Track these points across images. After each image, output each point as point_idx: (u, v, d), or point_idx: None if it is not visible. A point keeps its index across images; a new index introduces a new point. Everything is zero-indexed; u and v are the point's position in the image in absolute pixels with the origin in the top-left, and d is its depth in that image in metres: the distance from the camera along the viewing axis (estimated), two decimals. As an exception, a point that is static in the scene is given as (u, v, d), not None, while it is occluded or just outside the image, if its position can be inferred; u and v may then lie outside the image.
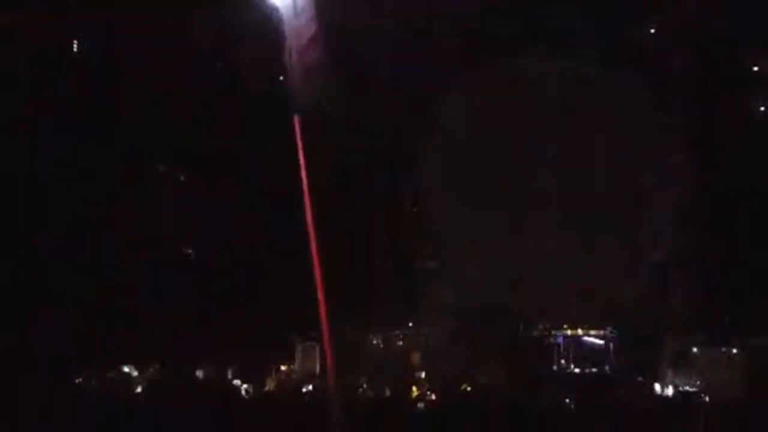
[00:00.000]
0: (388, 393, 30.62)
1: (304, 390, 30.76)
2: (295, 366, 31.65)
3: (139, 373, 30.99)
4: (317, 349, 30.98)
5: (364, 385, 30.44)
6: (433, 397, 30.62)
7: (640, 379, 30.96)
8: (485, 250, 30.10)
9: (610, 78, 30.53)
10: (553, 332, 31.72)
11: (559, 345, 31.56)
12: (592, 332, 31.66)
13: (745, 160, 31.26)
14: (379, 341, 32.24)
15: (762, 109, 32.57)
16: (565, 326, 31.70)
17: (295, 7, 18.86)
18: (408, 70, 31.45)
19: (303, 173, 21.18)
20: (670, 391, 30.71)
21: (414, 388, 30.79)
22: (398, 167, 31.59)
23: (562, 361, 31.53)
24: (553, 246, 30.34)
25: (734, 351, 30.42)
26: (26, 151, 30.07)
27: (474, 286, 30.08)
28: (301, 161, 20.78)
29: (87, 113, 31.27)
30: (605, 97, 30.55)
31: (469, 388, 30.61)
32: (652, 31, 32.60)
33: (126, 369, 30.99)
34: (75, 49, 32.36)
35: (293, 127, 20.09)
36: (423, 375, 31.29)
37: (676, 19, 32.09)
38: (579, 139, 30.56)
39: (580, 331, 31.73)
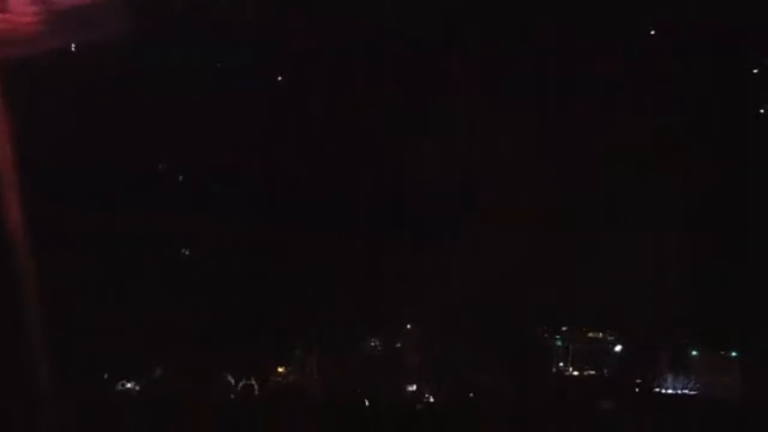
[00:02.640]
0: (385, 395, 30.61)
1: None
2: (291, 369, 31.67)
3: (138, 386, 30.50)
4: (315, 351, 31.08)
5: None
6: (432, 399, 30.70)
7: (639, 381, 30.96)
8: (485, 253, 30.00)
9: (611, 80, 30.42)
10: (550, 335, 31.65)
11: (557, 347, 31.56)
12: (591, 335, 31.59)
13: (749, 161, 31.13)
14: (377, 343, 32.20)
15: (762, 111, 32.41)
16: (564, 328, 31.64)
17: None
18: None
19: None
20: (668, 393, 30.69)
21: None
22: (403, 169, 31.39)
23: (561, 364, 31.49)
24: (553, 248, 30.27)
25: (733, 354, 30.47)
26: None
27: (474, 288, 29.85)
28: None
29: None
30: (608, 100, 30.44)
31: (469, 391, 30.57)
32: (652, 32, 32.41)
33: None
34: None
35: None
36: (422, 377, 31.25)
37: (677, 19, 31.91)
38: (578, 141, 30.47)
39: (578, 334, 31.63)
